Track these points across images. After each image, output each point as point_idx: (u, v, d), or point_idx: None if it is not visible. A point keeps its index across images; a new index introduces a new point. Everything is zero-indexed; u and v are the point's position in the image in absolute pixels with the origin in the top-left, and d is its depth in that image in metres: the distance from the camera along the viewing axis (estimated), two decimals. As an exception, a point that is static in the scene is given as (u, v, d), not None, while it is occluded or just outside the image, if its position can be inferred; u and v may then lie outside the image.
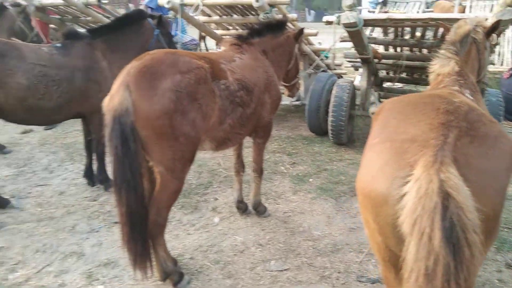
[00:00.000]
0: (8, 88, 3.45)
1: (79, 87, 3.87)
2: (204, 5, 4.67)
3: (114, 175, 2.43)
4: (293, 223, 3.72)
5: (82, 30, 4.24)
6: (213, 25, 5.66)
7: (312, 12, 37.93)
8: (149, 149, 2.44)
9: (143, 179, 2.47)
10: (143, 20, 4.34)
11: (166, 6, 4.67)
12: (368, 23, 4.20)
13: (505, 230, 3.58)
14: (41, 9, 6.11)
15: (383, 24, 4.28)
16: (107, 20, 5.94)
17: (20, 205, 4.08)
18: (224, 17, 5.00)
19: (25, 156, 5.44)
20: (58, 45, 3.94)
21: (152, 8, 6.44)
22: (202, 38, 10.94)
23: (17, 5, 5.59)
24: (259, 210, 3.79)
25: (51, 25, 6.76)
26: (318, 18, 35.04)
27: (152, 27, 4.37)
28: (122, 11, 8.03)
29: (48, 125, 6.13)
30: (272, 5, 4.39)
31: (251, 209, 3.83)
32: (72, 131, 6.34)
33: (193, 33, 8.17)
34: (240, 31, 5.40)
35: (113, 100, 2.35)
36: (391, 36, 4.87)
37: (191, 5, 4.80)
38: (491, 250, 3.23)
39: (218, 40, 5.47)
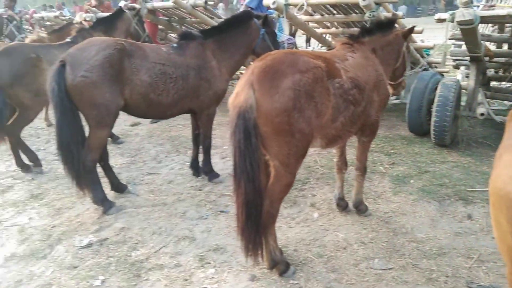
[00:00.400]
0: (133, 84, 3.82)
1: (192, 84, 4.17)
2: (308, 4, 4.76)
3: (235, 167, 2.61)
4: (395, 224, 3.68)
5: (193, 31, 4.54)
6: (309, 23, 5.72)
7: (403, 7, 36.30)
8: (267, 144, 2.59)
9: (260, 172, 2.62)
10: (250, 21, 4.53)
11: (272, 6, 4.83)
12: (485, 20, 3.98)
13: None
14: (152, 11, 6.63)
15: (501, 20, 4.03)
16: (211, 21, 6.28)
17: (135, 191, 4.51)
18: (326, 15, 5.04)
19: (135, 147, 5.97)
20: (175, 45, 4.27)
21: (252, 8, 6.66)
22: (292, 35, 11.10)
23: (133, 8, 6.12)
24: (360, 208, 3.80)
25: (159, 26, 7.31)
26: (410, 13, 33.47)
27: (258, 27, 4.55)
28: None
29: (157, 119, 6.65)
30: (378, 4, 4.36)
31: (352, 207, 3.85)
32: (175, 125, 6.82)
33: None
34: (341, 29, 5.41)
35: (239, 97, 2.53)
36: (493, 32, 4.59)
37: (295, 5, 4.91)
38: None
39: (318, 38, 5.53)
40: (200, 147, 4.72)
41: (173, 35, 8.15)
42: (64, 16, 9.15)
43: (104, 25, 5.82)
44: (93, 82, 3.60)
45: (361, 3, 4.25)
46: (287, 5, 4.85)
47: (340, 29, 5.37)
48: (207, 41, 4.37)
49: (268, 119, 2.50)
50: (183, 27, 7.26)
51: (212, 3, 5.88)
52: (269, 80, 2.50)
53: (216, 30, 4.49)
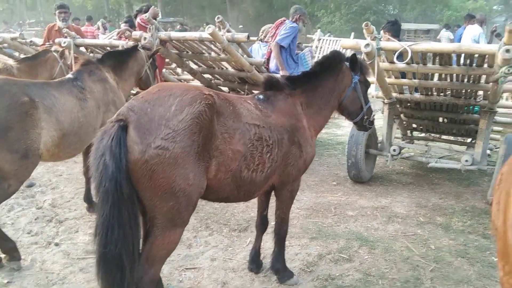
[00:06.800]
0: (223, 157, 2.48)
1: (284, 152, 2.92)
2: (414, 51, 3.73)
3: None
4: None
5: (279, 78, 3.29)
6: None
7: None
8: None
9: None
10: (341, 64, 3.42)
11: (364, 50, 3.74)
12: None
13: None
14: (163, 42, 5.26)
15: None
16: (243, 60, 5.03)
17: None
18: (415, 65, 4.02)
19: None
20: (261, 97, 3.01)
21: (284, 47, 5.54)
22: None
23: (148, 49, 4.73)
24: None
25: (167, 60, 5.92)
26: None
27: (351, 73, 3.44)
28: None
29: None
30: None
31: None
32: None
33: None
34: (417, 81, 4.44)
35: None
36: None
37: (393, 51, 3.87)
38: None
39: (386, 90, 4.53)
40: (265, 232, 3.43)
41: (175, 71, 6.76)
42: (24, 39, 7.32)
43: (115, 61, 4.33)
44: (174, 157, 2.21)
45: (504, 56, 3.31)
46: (379, 49, 3.81)
47: (416, 81, 4.40)
48: (296, 91, 3.18)
49: None
50: (193, 63, 5.94)
51: (255, 38, 4.68)
52: None
53: (305, 77, 3.31)
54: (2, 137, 3.11)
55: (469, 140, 6.03)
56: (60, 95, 3.58)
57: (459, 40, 9.79)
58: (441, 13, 37.27)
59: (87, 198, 4.35)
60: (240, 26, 23.98)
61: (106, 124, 2.27)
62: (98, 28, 13.02)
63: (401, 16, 38.12)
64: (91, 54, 6.65)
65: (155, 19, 5.60)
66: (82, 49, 6.54)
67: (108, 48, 6.28)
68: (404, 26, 31.07)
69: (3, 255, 3.42)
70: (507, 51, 3.29)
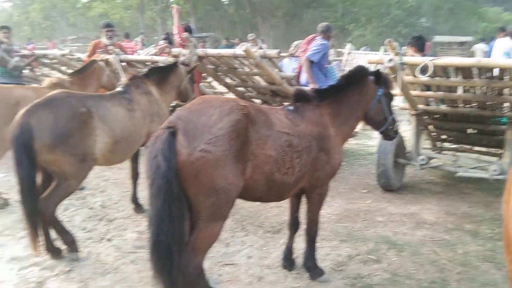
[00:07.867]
0: (257, 161, 2.81)
1: (312, 158, 3.22)
2: (435, 65, 3.96)
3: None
4: None
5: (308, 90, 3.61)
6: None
7: None
8: None
9: None
10: (366, 78, 3.69)
11: (387, 64, 4.01)
12: None
13: None
14: (200, 58, 5.68)
15: None
16: (275, 75, 5.37)
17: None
18: (437, 78, 4.22)
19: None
20: (291, 108, 3.33)
21: (313, 62, 5.85)
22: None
23: (186, 64, 5.14)
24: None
25: (203, 74, 6.35)
26: None
27: (375, 86, 3.71)
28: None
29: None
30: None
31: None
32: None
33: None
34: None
35: None
36: None
37: (415, 65, 4.11)
38: None
39: (411, 102, 4.74)
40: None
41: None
42: (73, 56, 7.97)
43: (158, 76, 4.77)
44: (216, 159, 2.55)
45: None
46: (402, 64, 4.06)
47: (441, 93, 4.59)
48: (323, 102, 3.47)
49: None
50: (228, 77, 6.34)
51: (285, 54, 5.01)
52: None
53: (333, 90, 3.60)
54: (64, 143, 3.55)
55: (500, 151, 6.07)
56: (112, 106, 4.02)
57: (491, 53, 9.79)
58: (476, 25, 36.56)
59: (134, 200, 4.77)
60: (262, 39, 24.28)
61: (157, 131, 2.65)
62: (138, 44, 13.84)
63: (434, 28, 37.61)
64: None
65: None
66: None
67: (148, 63, 6.80)
68: (437, 38, 30.79)
69: (64, 247, 3.84)
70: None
